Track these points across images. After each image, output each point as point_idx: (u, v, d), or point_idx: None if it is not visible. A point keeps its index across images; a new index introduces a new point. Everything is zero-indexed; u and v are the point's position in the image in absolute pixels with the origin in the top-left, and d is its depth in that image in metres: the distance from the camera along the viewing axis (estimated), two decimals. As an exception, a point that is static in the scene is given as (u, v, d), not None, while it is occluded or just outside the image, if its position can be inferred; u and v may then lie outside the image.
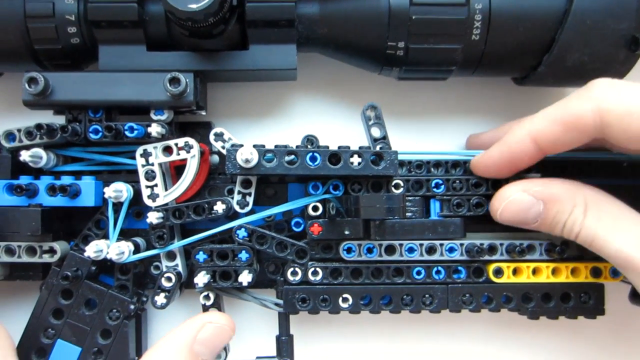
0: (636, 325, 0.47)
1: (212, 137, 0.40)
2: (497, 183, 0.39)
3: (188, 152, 0.38)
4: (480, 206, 0.39)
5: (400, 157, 0.39)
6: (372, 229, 0.39)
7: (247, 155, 0.36)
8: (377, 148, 0.40)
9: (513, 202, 0.37)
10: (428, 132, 0.45)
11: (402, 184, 0.39)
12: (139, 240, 0.41)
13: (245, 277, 0.38)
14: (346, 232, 0.38)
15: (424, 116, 0.45)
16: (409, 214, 0.40)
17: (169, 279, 0.39)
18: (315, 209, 0.39)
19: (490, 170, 0.38)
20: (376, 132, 0.40)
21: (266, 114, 0.45)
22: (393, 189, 0.39)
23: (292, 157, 0.37)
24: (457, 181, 0.40)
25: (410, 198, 0.40)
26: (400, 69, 0.39)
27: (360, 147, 0.38)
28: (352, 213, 0.37)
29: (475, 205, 0.39)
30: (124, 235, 0.41)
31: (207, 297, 0.39)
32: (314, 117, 0.45)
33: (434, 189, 0.40)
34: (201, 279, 0.38)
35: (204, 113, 0.42)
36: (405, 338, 0.46)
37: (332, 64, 0.42)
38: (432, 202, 0.40)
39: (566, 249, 0.40)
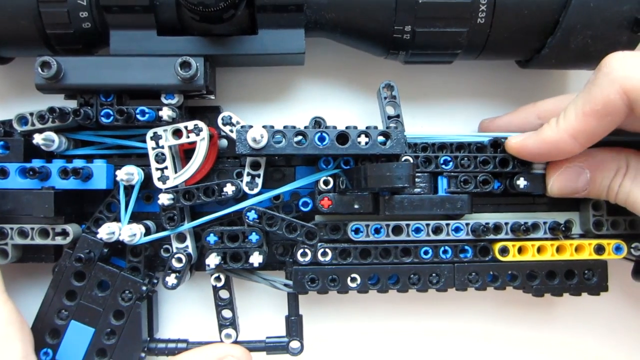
0: (637, 302, 0.47)
1: (220, 121, 0.40)
2: (504, 162, 0.40)
3: (197, 134, 0.39)
4: (487, 183, 0.40)
5: (409, 139, 0.40)
6: (381, 204, 0.39)
7: (256, 136, 0.36)
8: (390, 126, 0.40)
9: (562, 174, 0.38)
10: (434, 115, 0.46)
11: (411, 160, 0.40)
12: (149, 223, 0.41)
13: (256, 258, 0.38)
14: (355, 206, 0.39)
15: (430, 99, 0.46)
16: (417, 190, 0.40)
17: (179, 260, 0.39)
18: (326, 182, 0.39)
19: (525, 157, 0.39)
20: (390, 110, 0.41)
21: (274, 98, 0.45)
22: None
23: (301, 137, 0.38)
24: (465, 158, 0.40)
25: (418, 174, 0.40)
26: (406, 53, 0.40)
27: (367, 127, 0.39)
28: (361, 184, 0.37)
29: (482, 182, 0.40)
30: (135, 218, 0.41)
31: (218, 279, 0.40)
32: (321, 101, 0.45)
33: (442, 166, 0.41)
34: (212, 260, 0.38)
35: (213, 97, 0.43)
36: (412, 317, 0.47)
37: (339, 48, 0.43)
38: (439, 178, 0.41)
39: (571, 226, 0.40)
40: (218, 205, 0.41)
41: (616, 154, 0.38)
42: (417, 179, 0.40)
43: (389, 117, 0.41)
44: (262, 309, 0.45)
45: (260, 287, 0.43)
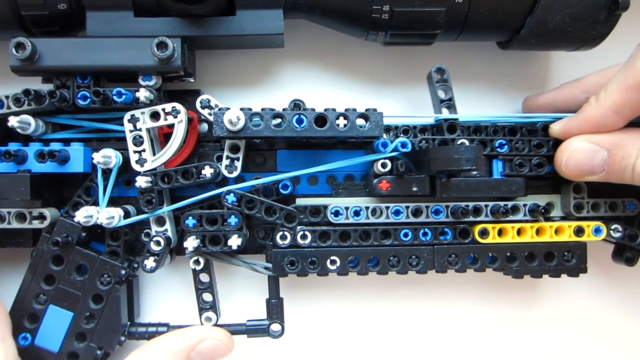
0: (617, 284, 0.48)
1: (198, 104, 0.40)
2: (557, 144, 0.40)
3: (175, 117, 0.39)
4: (542, 166, 0.40)
5: (462, 120, 0.41)
6: (438, 187, 0.39)
7: (233, 118, 0.36)
8: (443, 110, 0.41)
9: (576, 151, 0.38)
10: (415, 98, 0.45)
11: (467, 143, 0.40)
12: (129, 207, 0.41)
13: (234, 241, 0.38)
14: (414, 189, 0.39)
15: (411, 82, 0.46)
16: (474, 173, 0.40)
17: (157, 243, 0.39)
18: (384, 165, 0.39)
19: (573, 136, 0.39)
20: (442, 94, 0.41)
21: (255, 81, 0.45)
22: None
23: (279, 120, 0.38)
24: (520, 142, 0.41)
25: None
26: (385, 34, 0.40)
27: (346, 110, 0.38)
28: (424, 166, 0.37)
29: (537, 165, 0.40)
30: (115, 203, 0.41)
31: (197, 262, 0.40)
32: (302, 83, 0.45)
33: (498, 149, 0.41)
34: (191, 243, 0.38)
35: (192, 80, 0.42)
36: (394, 300, 0.47)
37: (319, 30, 0.43)
38: (494, 161, 0.41)
39: (551, 209, 0.40)
40: (199, 189, 0.41)
41: (637, 132, 0.37)
42: None
43: (441, 101, 0.41)
44: (243, 292, 0.45)
45: (241, 270, 0.43)
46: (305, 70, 0.45)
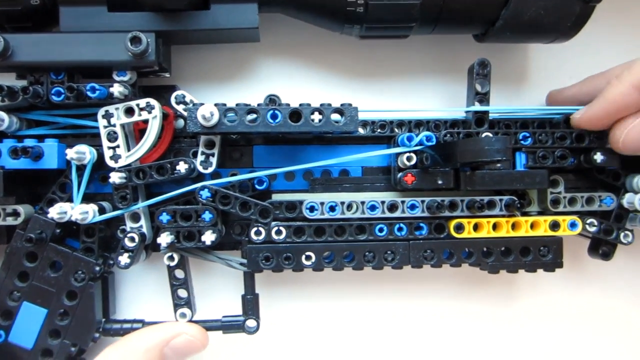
0: (593, 279, 0.48)
1: (173, 99, 0.40)
2: (580, 138, 0.41)
3: (150, 112, 0.39)
4: (565, 158, 0.41)
5: (492, 115, 0.42)
6: (462, 179, 0.40)
7: (206, 113, 0.36)
8: (475, 103, 0.41)
9: (635, 127, 0.38)
10: (391, 92, 0.45)
11: (491, 135, 0.40)
12: (105, 203, 0.41)
13: (208, 237, 0.38)
14: (439, 182, 0.39)
15: (388, 75, 0.46)
16: (498, 165, 0.40)
17: (132, 239, 0.39)
18: (409, 159, 0.40)
19: (593, 124, 0.40)
20: (479, 87, 0.41)
21: (231, 76, 0.45)
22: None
23: (254, 115, 0.37)
24: (543, 134, 0.41)
25: None
26: (360, 27, 0.40)
27: (321, 105, 0.38)
28: (451, 159, 0.37)
29: (560, 157, 0.41)
30: (91, 199, 0.41)
31: (171, 258, 0.39)
32: (279, 78, 0.45)
33: (522, 142, 0.41)
34: (164, 239, 0.38)
35: (167, 75, 0.42)
36: (372, 296, 0.47)
37: (296, 24, 0.43)
38: (517, 154, 0.41)
39: (524, 204, 0.40)
40: (176, 185, 0.41)
41: None
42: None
43: (477, 94, 0.41)
44: (220, 288, 0.45)
45: (218, 267, 0.43)
46: (282, 65, 0.45)
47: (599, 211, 0.43)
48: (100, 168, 0.40)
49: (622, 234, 0.42)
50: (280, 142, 0.43)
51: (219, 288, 0.45)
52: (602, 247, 0.43)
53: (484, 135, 0.41)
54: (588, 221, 0.42)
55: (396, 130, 0.43)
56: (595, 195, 0.42)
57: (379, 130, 0.42)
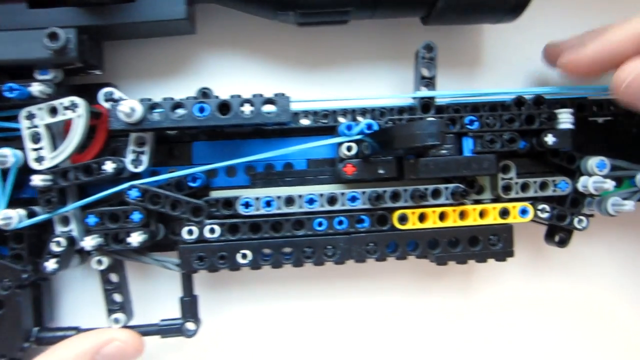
0: (554, 266, 0.46)
1: (101, 97, 0.39)
2: (530, 119, 0.39)
3: (74, 111, 0.37)
4: (514, 141, 0.39)
5: (442, 100, 0.40)
6: (406, 168, 0.38)
7: (125, 109, 0.34)
8: (421, 87, 0.40)
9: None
10: (337, 80, 0.44)
11: (425, 119, 0.39)
12: (37, 208, 0.39)
13: (135, 238, 0.36)
14: (380, 171, 0.38)
15: (333, 63, 0.44)
16: (443, 152, 0.39)
17: (58, 244, 0.37)
18: (349, 148, 0.38)
19: (581, 68, 0.38)
20: (425, 72, 0.40)
21: (170, 71, 0.43)
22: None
23: (181, 109, 0.36)
24: (490, 117, 0.39)
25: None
26: (295, 13, 0.38)
27: (254, 95, 0.37)
28: (389, 146, 0.35)
29: (509, 140, 0.39)
30: (24, 204, 0.39)
31: (99, 262, 0.38)
32: (219, 71, 0.43)
33: (468, 126, 0.39)
34: (88, 242, 0.36)
35: (98, 73, 0.41)
36: (329, 295, 0.45)
37: (233, 15, 0.41)
38: (464, 139, 0.40)
39: (470, 192, 0.38)
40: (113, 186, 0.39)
41: None
42: None
43: (422, 78, 0.40)
44: (158, 291, 0.43)
45: (160, 269, 0.41)
46: (222, 58, 0.43)
47: (556, 196, 0.41)
48: (30, 171, 0.39)
49: (576, 220, 0.40)
50: (221, 137, 0.42)
51: (160, 291, 0.43)
52: (558, 233, 0.41)
53: (419, 119, 0.39)
54: (540, 207, 0.40)
55: (340, 119, 0.41)
56: (549, 180, 0.40)
57: (321, 120, 0.41)
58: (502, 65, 0.44)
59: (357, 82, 0.44)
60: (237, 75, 0.43)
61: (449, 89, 0.42)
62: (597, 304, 0.46)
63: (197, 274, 0.39)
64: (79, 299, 0.43)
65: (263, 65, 0.43)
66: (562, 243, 0.41)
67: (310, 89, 0.43)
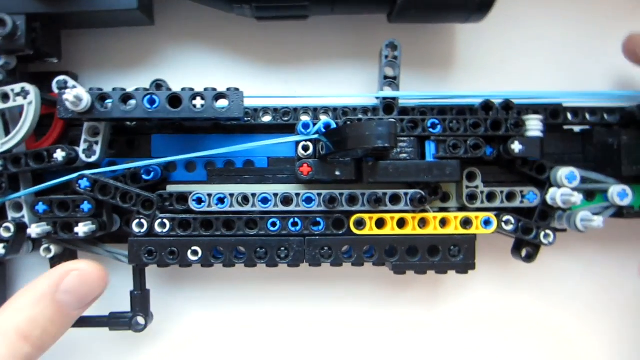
0: (515, 281, 0.44)
1: (54, 85, 0.38)
2: (497, 125, 0.37)
3: (25, 98, 0.36)
4: (478, 147, 0.37)
5: (402, 102, 0.39)
6: (365, 171, 0.37)
7: (70, 98, 0.33)
8: (384, 88, 0.38)
9: None
10: (297, 76, 0.43)
11: (376, 120, 0.37)
12: (-9, 193, 0.39)
13: (81, 228, 0.36)
14: (337, 173, 0.36)
15: (293, 60, 0.43)
16: (403, 155, 0.38)
17: (7, 229, 0.37)
18: (305, 148, 0.37)
19: None
20: (389, 71, 0.38)
21: (129, 62, 0.42)
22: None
23: (131, 100, 0.35)
24: (454, 121, 0.37)
25: (404, 138, 0.38)
26: (250, 6, 0.37)
27: (205, 89, 0.36)
28: (341, 146, 0.34)
29: (473, 146, 0.37)
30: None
31: (47, 250, 0.37)
32: (177, 64, 0.43)
33: (430, 129, 0.38)
34: (34, 230, 0.36)
35: (55, 61, 0.40)
36: (290, 302, 0.44)
37: (191, 7, 0.40)
38: (427, 143, 0.38)
39: (427, 199, 0.37)
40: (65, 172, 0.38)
41: None
42: (402, 144, 0.38)
43: (386, 78, 0.38)
44: (117, 284, 0.42)
45: (116, 262, 0.40)
46: (181, 50, 0.42)
47: (526, 208, 0.39)
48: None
49: (542, 234, 0.38)
50: (182, 131, 0.41)
51: (114, 284, 0.42)
52: (525, 247, 0.39)
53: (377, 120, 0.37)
54: (504, 219, 0.38)
55: (303, 118, 0.39)
56: (516, 190, 0.39)
57: (282, 118, 0.39)
58: (474, 67, 0.43)
59: (321, 80, 0.42)
60: (196, 68, 0.42)
61: (417, 90, 0.40)
62: (563, 323, 0.44)
63: (166, 270, 0.38)
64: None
65: (223, 60, 0.42)
66: (529, 258, 0.39)
67: (272, 86, 0.42)
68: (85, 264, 0.34)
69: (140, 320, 0.38)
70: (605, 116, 0.41)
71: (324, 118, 0.38)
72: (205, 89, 0.35)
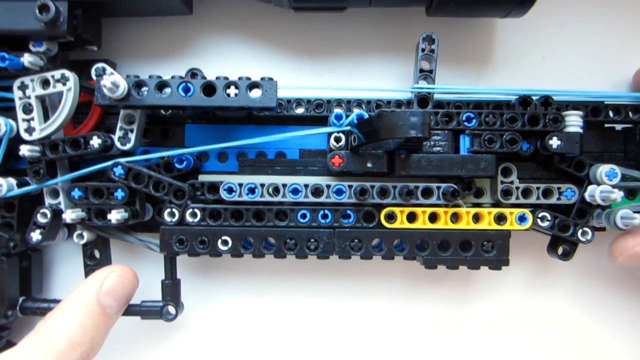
0: (545, 279, 0.43)
1: (93, 72, 0.38)
2: (534, 120, 0.36)
3: (64, 84, 0.37)
4: (514, 142, 0.36)
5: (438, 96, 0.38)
6: (397, 163, 0.36)
7: (107, 84, 0.34)
8: (419, 81, 0.38)
9: (636, 255, 0.36)
10: (332, 69, 0.42)
11: (408, 110, 0.37)
12: (29, 178, 0.40)
13: (114, 215, 0.36)
14: (369, 165, 0.36)
15: (328, 52, 0.42)
16: (437, 149, 0.37)
17: (44, 215, 0.37)
18: (337, 139, 0.37)
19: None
20: (425, 65, 0.38)
21: (168, 51, 0.43)
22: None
23: (166, 88, 0.35)
24: (490, 115, 0.37)
25: (438, 132, 0.37)
26: (288, -4, 0.37)
27: (239, 78, 0.36)
28: (373, 136, 0.34)
29: (509, 141, 0.36)
30: (20, 174, 0.39)
31: (80, 236, 0.38)
32: (213, 54, 0.43)
33: (465, 123, 0.37)
34: (69, 215, 0.36)
35: (95, 49, 0.41)
36: (318, 295, 0.44)
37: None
38: (462, 137, 0.38)
39: (461, 193, 0.36)
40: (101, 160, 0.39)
41: None
42: (436, 137, 0.37)
43: (421, 71, 0.38)
44: (149, 273, 0.41)
45: (148, 251, 0.41)
46: (217, 40, 0.43)
47: (563, 205, 0.38)
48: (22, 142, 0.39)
49: (579, 231, 0.37)
50: (214, 121, 0.41)
51: (146, 273, 0.42)
52: (562, 244, 0.38)
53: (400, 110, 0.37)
54: (540, 215, 0.37)
55: (335, 110, 0.39)
56: (553, 187, 0.38)
57: (314, 110, 0.39)
58: (513, 64, 0.42)
59: (356, 73, 0.42)
60: (233, 58, 0.42)
61: (453, 85, 0.39)
62: (599, 327, 0.43)
63: (197, 260, 0.39)
64: (70, 273, 0.43)
65: (259, 50, 0.42)
66: (566, 256, 0.38)
67: (307, 78, 0.42)
68: (121, 266, 0.36)
69: (171, 309, 0.39)
70: (649, 114, 0.39)
71: (357, 110, 0.37)
72: (240, 78, 0.36)
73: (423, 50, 0.38)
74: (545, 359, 0.43)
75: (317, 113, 0.39)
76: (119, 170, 0.37)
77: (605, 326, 0.43)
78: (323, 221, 0.37)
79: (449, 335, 0.43)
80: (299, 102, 0.39)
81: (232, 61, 0.42)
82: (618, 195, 0.35)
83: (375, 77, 0.42)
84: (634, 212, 0.36)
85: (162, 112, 0.40)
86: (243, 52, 0.43)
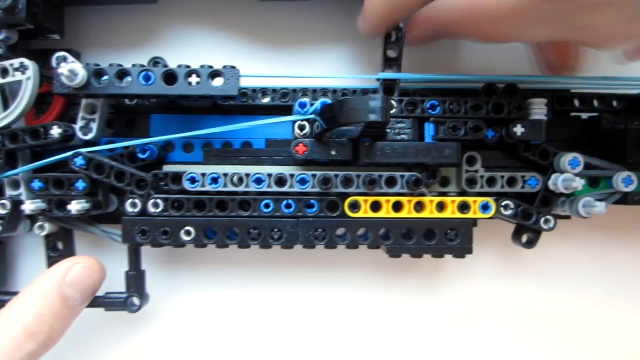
0: (513, 269, 0.43)
1: (54, 61, 0.38)
2: (499, 108, 0.37)
3: (23, 73, 0.36)
4: (479, 130, 0.36)
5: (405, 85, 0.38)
6: (361, 151, 0.36)
7: (66, 72, 0.33)
8: (386, 70, 0.38)
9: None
10: (298, 58, 0.42)
11: (395, 104, 0.37)
12: (-9, 170, 0.39)
13: (74, 206, 0.36)
14: (332, 153, 0.36)
15: (295, 41, 0.42)
16: (402, 137, 0.37)
17: (3, 206, 0.37)
18: (301, 128, 0.36)
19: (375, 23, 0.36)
20: (392, 53, 0.38)
21: (133, 41, 0.42)
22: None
23: (127, 77, 0.35)
24: (455, 103, 0.37)
25: (402, 119, 0.37)
26: (251, -15, 0.36)
27: (202, 66, 0.35)
28: (334, 122, 0.34)
29: (473, 128, 0.36)
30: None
31: (41, 228, 0.37)
32: (179, 42, 0.42)
33: (430, 111, 0.37)
34: (28, 206, 0.36)
35: (58, 37, 0.40)
36: (278, 284, 0.44)
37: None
38: (426, 124, 0.38)
39: (422, 182, 0.36)
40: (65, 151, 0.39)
41: None
42: (401, 125, 0.37)
43: (387, 59, 0.38)
44: (111, 265, 0.41)
45: (113, 243, 0.40)
46: (183, 29, 0.42)
47: (527, 194, 0.38)
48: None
49: (542, 219, 0.37)
50: (180, 111, 0.40)
51: (113, 265, 0.42)
52: (526, 233, 0.38)
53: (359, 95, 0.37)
54: (503, 204, 0.37)
55: (302, 100, 0.39)
56: (517, 175, 0.38)
57: (280, 99, 0.39)
58: (483, 50, 0.41)
59: (323, 62, 0.42)
60: (198, 48, 0.42)
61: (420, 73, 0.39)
62: (566, 311, 0.43)
63: (165, 252, 0.39)
64: (35, 265, 0.43)
65: (225, 40, 0.42)
66: (530, 244, 0.38)
67: (274, 67, 0.42)
68: (86, 258, 0.36)
69: (136, 301, 0.38)
70: (614, 103, 0.39)
71: (322, 99, 0.37)
72: (202, 67, 0.35)
73: (390, 38, 0.38)
74: (515, 346, 0.43)
75: (283, 102, 0.39)
76: (80, 161, 0.37)
77: (575, 312, 0.43)
78: (287, 211, 0.37)
79: (419, 325, 0.43)
80: (264, 91, 0.39)
81: (197, 51, 0.42)
82: (579, 183, 0.36)
83: (342, 66, 0.42)
84: (597, 200, 0.37)
85: (127, 101, 0.40)
86: (209, 42, 0.42)
